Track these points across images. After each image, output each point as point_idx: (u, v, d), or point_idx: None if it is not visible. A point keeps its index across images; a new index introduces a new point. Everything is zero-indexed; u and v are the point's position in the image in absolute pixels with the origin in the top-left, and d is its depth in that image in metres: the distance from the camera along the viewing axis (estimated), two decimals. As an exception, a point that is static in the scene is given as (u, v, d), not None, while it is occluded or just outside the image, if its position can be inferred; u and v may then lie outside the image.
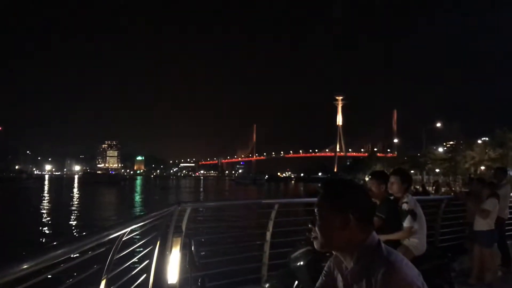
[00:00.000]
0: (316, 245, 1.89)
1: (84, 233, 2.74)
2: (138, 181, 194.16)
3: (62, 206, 50.74)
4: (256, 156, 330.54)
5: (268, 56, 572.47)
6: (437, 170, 58.51)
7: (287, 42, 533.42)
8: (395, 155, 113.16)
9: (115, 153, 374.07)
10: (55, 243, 2.26)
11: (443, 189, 41.93)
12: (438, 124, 63.93)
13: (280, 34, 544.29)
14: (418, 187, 47.77)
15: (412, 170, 67.29)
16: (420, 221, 5.00)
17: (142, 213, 4.39)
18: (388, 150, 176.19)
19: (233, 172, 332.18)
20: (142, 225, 3.89)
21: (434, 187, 41.44)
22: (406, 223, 4.86)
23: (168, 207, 5.22)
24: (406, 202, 4.95)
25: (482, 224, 7.36)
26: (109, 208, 47.17)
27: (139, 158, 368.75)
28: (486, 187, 7.72)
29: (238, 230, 8.02)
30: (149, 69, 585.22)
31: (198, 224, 6.88)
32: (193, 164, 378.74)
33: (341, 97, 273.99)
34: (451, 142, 62.30)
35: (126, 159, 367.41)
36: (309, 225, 1.94)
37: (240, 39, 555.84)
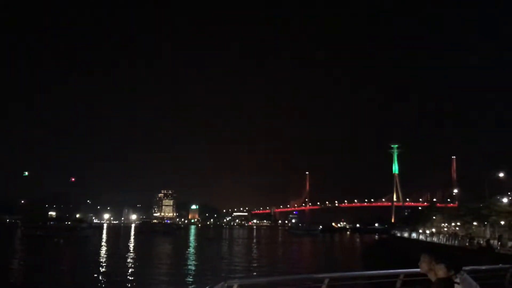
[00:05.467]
0: None
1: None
2: (193, 230, 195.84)
3: (118, 258, 51.81)
4: (309, 205, 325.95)
5: (322, 104, 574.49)
6: (502, 223, 55.14)
7: (341, 88, 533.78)
8: (455, 205, 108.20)
9: (171, 202, 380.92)
10: None
11: (510, 244, 39.54)
12: (501, 174, 60.86)
13: (329, 81, 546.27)
14: (481, 241, 45.34)
15: (474, 222, 63.92)
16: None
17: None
18: (448, 200, 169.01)
19: (286, 221, 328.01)
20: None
21: (499, 242, 39.22)
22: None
23: (214, 283, 5.16)
24: (458, 283, 4.65)
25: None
26: (161, 264, 47.32)
27: (193, 207, 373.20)
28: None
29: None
30: (201, 119, 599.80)
31: None
32: (246, 213, 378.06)
33: (396, 145, 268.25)
34: (517, 192, 58.92)
35: (181, 208, 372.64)
36: None
37: (294, 87, 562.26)
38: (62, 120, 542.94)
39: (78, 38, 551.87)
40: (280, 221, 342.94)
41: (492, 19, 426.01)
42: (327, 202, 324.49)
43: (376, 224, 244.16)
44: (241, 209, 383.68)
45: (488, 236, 52.04)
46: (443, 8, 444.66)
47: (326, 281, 6.15)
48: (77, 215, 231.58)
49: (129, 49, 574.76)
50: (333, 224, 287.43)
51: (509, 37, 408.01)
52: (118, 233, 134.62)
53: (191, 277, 37.27)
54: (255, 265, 49.48)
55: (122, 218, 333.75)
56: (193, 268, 45.22)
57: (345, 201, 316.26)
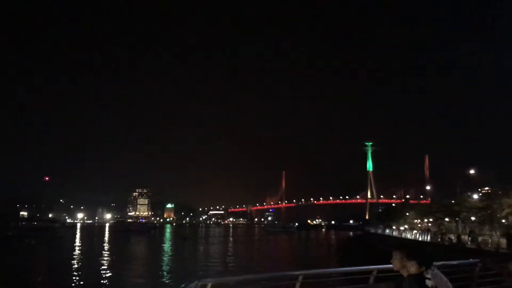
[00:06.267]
0: None
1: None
2: (168, 229, 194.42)
3: (92, 258, 51.09)
4: (285, 203, 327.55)
5: (297, 103, 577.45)
6: (473, 219, 56.40)
7: (317, 86, 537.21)
8: (428, 202, 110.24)
9: (146, 201, 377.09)
10: None
11: (480, 239, 40.49)
12: (472, 171, 62.28)
13: (307, 79, 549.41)
14: (453, 237, 46.21)
15: (446, 218, 65.23)
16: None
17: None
18: (421, 196, 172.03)
19: (262, 219, 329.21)
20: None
21: (470, 238, 40.10)
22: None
23: (187, 281, 5.10)
24: (429, 278, 4.73)
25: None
26: (135, 263, 46.86)
27: (169, 206, 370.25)
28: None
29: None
30: (177, 118, 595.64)
31: None
32: (222, 212, 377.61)
33: (371, 143, 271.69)
34: (487, 188, 60.33)
35: (156, 207, 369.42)
36: None
37: (269, 85, 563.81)
38: (35, 120, 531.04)
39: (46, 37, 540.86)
40: (256, 219, 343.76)
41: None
42: (303, 200, 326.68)
43: (351, 221, 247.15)
44: (217, 207, 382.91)
45: (459, 231, 53.23)
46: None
47: (300, 278, 6.16)
48: (50, 215, 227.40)
49: (103, 48, 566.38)
50: (309, 221, 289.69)
51: (489, 35, 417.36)
52: (92, 233, 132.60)
53: (165, 276, 37.04)
54: (231, 263, 49.48)
55: (96, 218, 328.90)
56: (167, 267, 44.94)
57: (321, 198, 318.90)
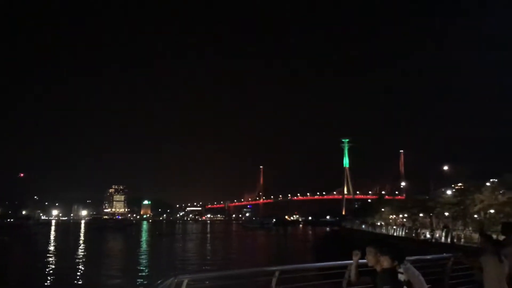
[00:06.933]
0: None
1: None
2: (145, 226, 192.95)
3: (67, 256, 50.39)
4: (263, 199, 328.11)
5: (274, 99, 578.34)
6: (446, 214, 57.58)
7: (295, 82, 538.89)
8: (403, 197, 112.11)
9: (122, 198, 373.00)
10: None
11: (453, 234, 41.35)
12: (446, 167, 63.52)
13: (286, 75, 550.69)
14: (427, 233, 47.02)
15: (421, 214, 66.43)
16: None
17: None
18: (396, 192, 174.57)
19: (240, 215, 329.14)
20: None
21: (444, 233, 40.94)
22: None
23: (164, 278, 5.08)
24: (401, 273, 4.84)
25: (492, 283, 7.08)
26: (111, 260, 46.39)
27: (145, 202, 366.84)
28: (488, 243, 7.47)
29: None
30: (154, 113, 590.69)
31: None
32: (200, 208, 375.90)
33: (347, 139, 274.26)
34: (460, 184, 61.57)
35: (133, 203, 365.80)
36: None
37: (246, 82, 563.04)
38: (8, 116, 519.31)
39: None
40: (234, 215, 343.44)
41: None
42: (280, 196, 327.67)
43: (328, 217, 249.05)
44: (195, 204, 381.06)
45: (433, 227, 54.29)
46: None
47: (277, 273, 6.20)
48: (24, 212, 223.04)
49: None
50: (286, 217, 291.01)
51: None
52: (67, 230, 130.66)
53: (141, 273, 36.77)
54: (208, 260, 49.43)
55: (72, 215, 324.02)
56: (144, 264, 44.61)
57: (298, 194, 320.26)
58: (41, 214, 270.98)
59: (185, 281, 5.28)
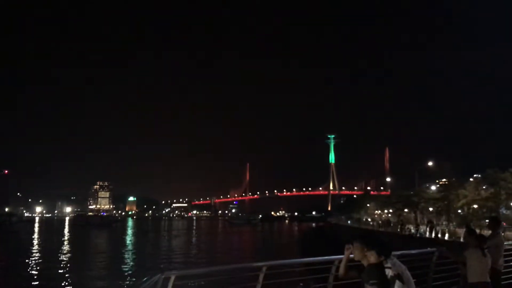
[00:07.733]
0: None
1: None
2: (130, 222, 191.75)
3: (51, 253, 49.83)
4: (249, 195, 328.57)
5: (260, 96, 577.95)
6: (431, 209, 58.28)
7: (281, 79, 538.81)
8: (388, 193, 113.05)
9: (107, 194, 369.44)
10: None
11: (438, 229, 41.88)
12: (430, 163, 64.11)
13: (272, 72, 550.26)
14: (411, 228, 47.53)
15: (405, 209, 67.09)
16: (409, 285, 4.94)
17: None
18: (381, 188, 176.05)
19: (226, 211, 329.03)
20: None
21: (428, 228, 41.44)
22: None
23: (151, 275, 5.05)
24: (389, 267, 4.87)
25: (476, 276, 7.17)
26: (96, 258, 45.99)
27: (131, 199, 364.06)
28: (472, 238, 7.57)
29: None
30: (141, 110, 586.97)
31: None
32: (186, 205, 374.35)
33: (333, 136, 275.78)
34: (444, 180, 62.31)
35: (118, 200, 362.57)
36: None
37: (231, 78, 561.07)
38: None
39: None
40: (220, 212, 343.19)
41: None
42: (266, 192, 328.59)
43: (314, 212, 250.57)
44: (181, 200, 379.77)
45: (418, 222, 54.91)
46: None
47: (264, 269, 6.21)
48: (6, 209, 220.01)
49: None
50: (273, 213, 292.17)
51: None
52: (51, 227, 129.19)
53: (128, 270, 36.53)
54: (194, 256, 49.33)
55: (56, 211, 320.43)
56: (130, 261, 44.36)
57: (284, 190, 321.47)
58: (24, 211, 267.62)
59: (172, 277, 5.25)
